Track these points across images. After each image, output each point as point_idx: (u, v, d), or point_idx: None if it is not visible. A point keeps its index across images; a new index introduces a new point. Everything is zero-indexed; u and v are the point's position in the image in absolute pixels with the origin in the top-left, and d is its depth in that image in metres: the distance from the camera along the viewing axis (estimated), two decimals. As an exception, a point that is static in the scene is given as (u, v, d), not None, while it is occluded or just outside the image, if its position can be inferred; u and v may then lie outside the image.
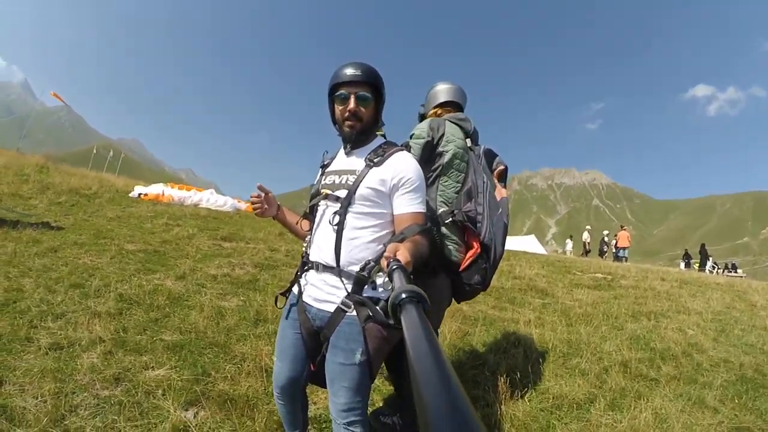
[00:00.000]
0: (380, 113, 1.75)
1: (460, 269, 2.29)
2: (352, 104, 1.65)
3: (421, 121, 2.62)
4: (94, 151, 26.89)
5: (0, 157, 10.06)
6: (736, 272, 25.66)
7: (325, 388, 1.69)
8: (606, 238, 22.71)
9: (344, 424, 1.62)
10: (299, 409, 1.91)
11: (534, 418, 2.80)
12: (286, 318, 1.81)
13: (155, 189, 11.09)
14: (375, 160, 1.66)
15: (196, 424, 2.24)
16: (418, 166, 1.70)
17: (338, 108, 1.69)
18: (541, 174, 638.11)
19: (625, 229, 21.38)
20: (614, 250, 21.12)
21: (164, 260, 5.31)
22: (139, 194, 10.49)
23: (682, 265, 23.81)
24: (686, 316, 5.94)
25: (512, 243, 22.67)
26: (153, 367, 2.73)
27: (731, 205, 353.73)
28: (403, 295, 0.75)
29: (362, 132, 1.71)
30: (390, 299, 0.77)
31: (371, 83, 1.66)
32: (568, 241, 26.41)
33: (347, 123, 1.68)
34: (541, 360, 3.85)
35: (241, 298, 4.34)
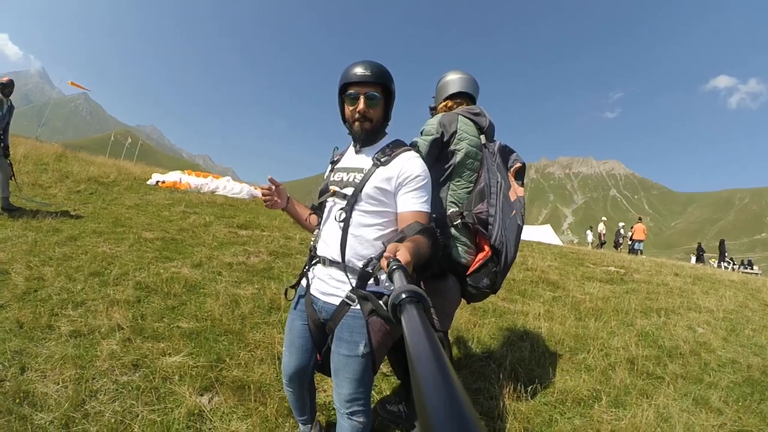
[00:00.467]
0: (390, 112, 1.77)
1: (468, 272, 2.24)
2: (361, 105, 1.67)
3: (432, 115, 2.52)
4: (112, 139, 27.27)
5: (19, 147, 10.29)
6: (752, 269, 25.17)
7: (331, 377, 1.76)
8: (622, 231, 22.37)
9: (347, 413, 1.69)
10: (307, 397, 1.99)
11: (537, 412, 2.84)
12: (295, 309, 1.88)
13: (172, 176, 11.26)
14: (382, 159, 1.69)
15: (211, 409, 2.35)
16: (425, 165, 1.72)
17: (348, 107, 1.71)
18: (558, 163, 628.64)
19: (641, 222, 21.08)
20: (630, 243, 20.86)
21: (181, 248, 5.43)
22: (157, 182, 10.66)
23: (693, 259, 23.35)
24: (697, 313, 5.88)
25: (528, 232, 22.40)
26: (170, 353, 2.85)
27: (750, 200, 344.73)
28: (403, 295, 0.76)
29: (372, 131, 1.74)
30: (390, 299, 0.79)
31: (381, 83, 1.68)
32: (588, 232, 26.09)
33: (357, 123, 1.71)
34: (547, 354, 3.88)
35: (256, 286, 4.44)
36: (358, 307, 1.61)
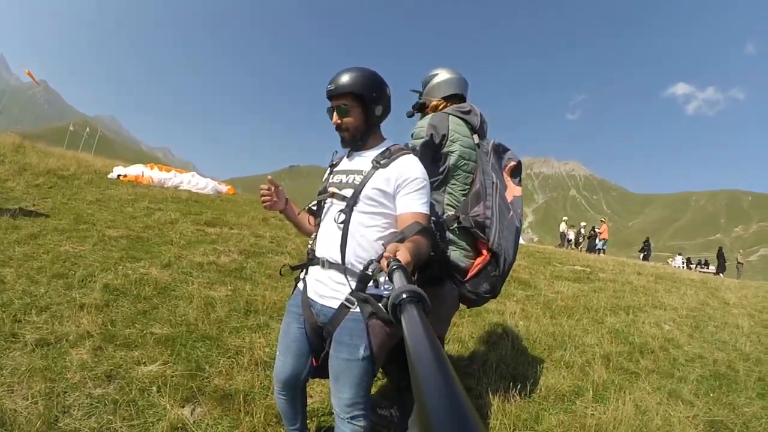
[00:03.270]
0: (372, 114, 1.74)
1: (467, 278, 2.18)
2: (334, 118, 1.75)
3: (419, 110, 2.46)
4: (71, 128, 25.97)
5: (-26, 137, 9.59)
6: (708, 268, 26.63)
7: (328, 379, 1.74)
8: (582, 230, 23.18)
9: (348, 418, 1.66)
10: (299, 404, 1.94)
11: (523, 409, 2.89)
12: (291, 312, 1.84)
13: (135, 170, 10.77)
14: (381, 162, 1.70)
15: (194, 421, 2.23)
16: (423, 168, 1.73)
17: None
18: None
19: (604, 223, 22.18)
20: (595, 243, 21.77)
21: (148, 247, 5.18)
22: (119, 175, 10.17)
23: (641, 256, 24.39)
24: (662, 311, 6.17)
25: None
26: (145, 362, 2.68)
27: (705, 202, 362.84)
28: (404, 295, 0.75)
29: (354, 138, 1.78)
30: (390, 299, 0.78)
31: (347, 92, 1.69)
32: (563, 226, 25.41)
33: (339, 134, 1.78)
34: (527, 352, 3.96)
35: (229, 288, 4.28)
36: (358, 309, 1.60)
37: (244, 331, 3.36)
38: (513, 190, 2.30)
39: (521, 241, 20.38)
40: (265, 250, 6.03)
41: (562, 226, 23.84)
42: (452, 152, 2.18)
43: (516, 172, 2.37)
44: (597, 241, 21.58)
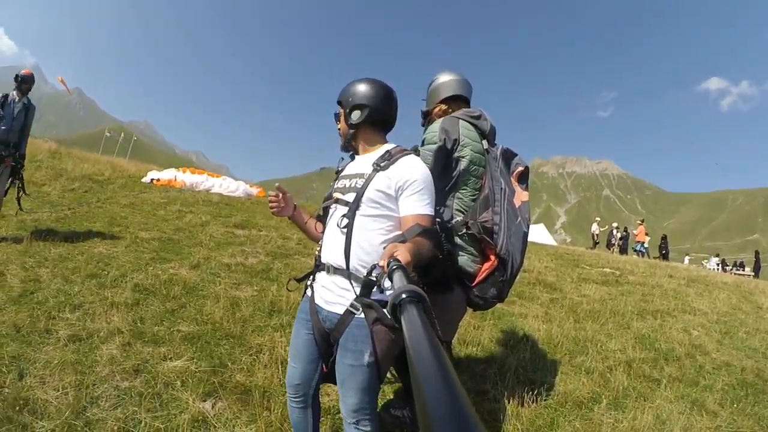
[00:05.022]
0: (349, 119, 1.83)
1: (475, 283, 2.20)
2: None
3: (424, 118, 2.47)
4: (106, 134, 27.01)
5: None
6: (744, 270, 25.42)
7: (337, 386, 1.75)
8: (614, 231, 22.45)
9: (354, 423, 1.67)
10: (311, 414, 1.91)
11: (539, 414, 2.86)
12: (300, 319, 1.86)
13: (167, 174, 11.16)
14: (382, 164, 1.72)
15: (214, 415, 2.33)
16: (425, 168, 1.74)
17: None
18: (552, 162, 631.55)
19: (642, 224, 21.36)
20: (627, 244, 21.10)
21: (178, 248, 5.39)
22: (152, 180, 10.57)
23: (660, 256, 22.91)
24: (692, 316, 5.95)
25: (520, 232, 22.46)
26: (171, 358, 2.82)
27: (742, 201, 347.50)
28: (404, 296, 0.75)
29: (346, 143, 1.90)
30: (390, 299, 0.78)
31: (338, 101, 1.88)
32: (597, 229, 24.36)
33: None
34: (547, 357, 3.90)
35: (256, 288, 4.41)
36: (363, 315, 1.61)
37: (267, 330, 3.46)
38: (521, 196, 2.30)
39: (553, 242, 19.99)
40: (292, 251, 6.17)
41: (594, 227, 23.16)
42: (463, 157, 2.19)
43: (523, 178, 2.38)
44: (635, 242, 20.85)
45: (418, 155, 1.93)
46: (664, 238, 22.23)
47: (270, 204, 1.93)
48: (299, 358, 1.82)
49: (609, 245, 21.87)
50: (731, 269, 26.50)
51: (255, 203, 10.64)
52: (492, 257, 2.18)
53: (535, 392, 3.04)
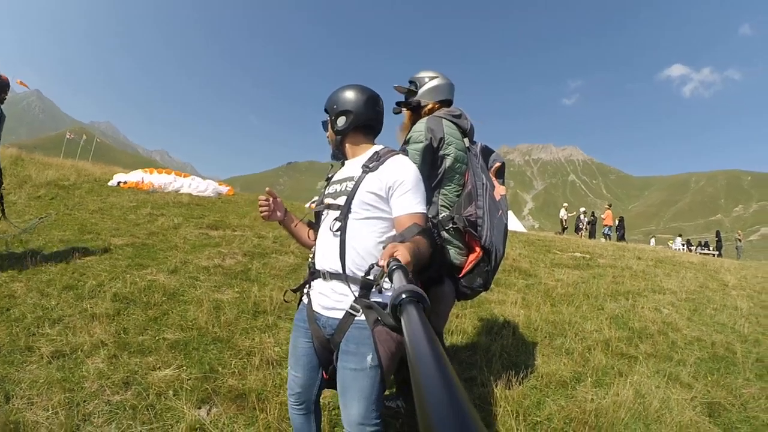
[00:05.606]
0: (334, 124, 1.85)
1: (462, 274, 2.31)
2: None
3: (412, 109, 2.54)
4: (67, 136, 25.98)
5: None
6: (708, 250, 26.71)
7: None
8: (582, 216, 23.14)
9: None
10: (313, 420, 1.89)
11: (526, 395, 2.99)
12: (298, 327, 1.82)
13: (135, 176, 10.82)
14: (371, 165, 1.71)
15: (211, 421, 2.33)
16: (414, 167, 1.73)
17: None
18: (518, 150, 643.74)
19: (610, 209, 22.20)
20: (602, 230, 21.83)
21: (153, 254, 5.26)
22: (119, 182, 10.22)
23: (616, 236, 23.17)
24: (661, 295, 6.25)
25: (490, 222, 22.88)
26: (160, 367, 2.77)
27: (705, 183, 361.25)
28: (404, 295, 0.76)
29: (335, 150, 1.92)
30: (390, 299, 0.78)
31: (325, 110, 1.90)
32: (565, 214, 24.60)
33: None
34: (528, 340, 4.06)
35: (236, 290, 4.37)
36: (363, 317, 1.59)
37: (254, 332, 3.45)
38: (499, 190, 2.42)
39: (522, 228, 20.44)
40: (269, 250, 6.12)
41: (562, 212, 23.72)
42: (448, 155, 2.28)
43: (500, 172, 2.51)
44: (603, 227, 21.58)
45: (406, 154, 1.96)
46: (621, 219, 23.08)
47: (260, 209, 1.90)
48: (299, 366, 1.79)
49: (577, 230, 22.57)
50: (696, 249, 27.82)
51: (226, 202, 10.47)
52: (477, 249, 2.28)
53: (521, 375, 3.16)
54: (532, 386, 3.16)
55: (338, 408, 2.52)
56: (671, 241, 29.93)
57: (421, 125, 2.31)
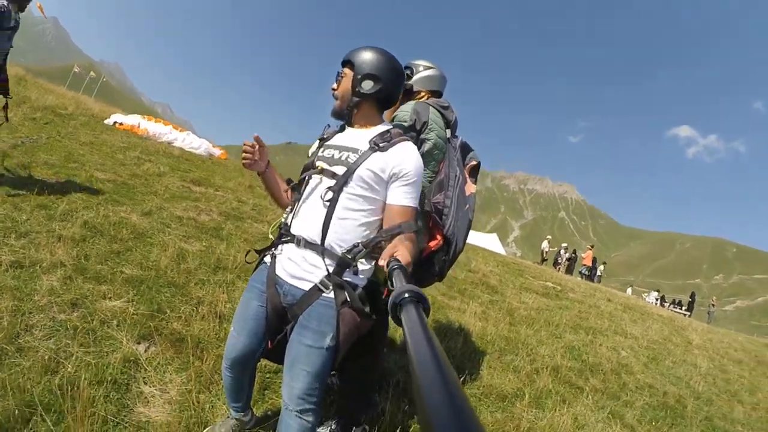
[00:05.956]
0: (357, 86, 1.69)
1: (419, 260, 2.30)
2: (333, 84, 1.76)
3: (404, 93, 2.53)
4: (75, 70, 25.63)
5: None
6: (680, 309, 27.14)
7: (280, 364, 1.66)
8: (562, 251, 23.39)
9: (297, 411, 1.55)
10: (246, 383, 1.87)
11: None
12: (253, 288, 1.73)
13: (132, 120, 10.73)
14: (380, 144, 1.63)
15: (146, 358, 2.33)
16: (421, 160, 1.69)
17: None
18: (515, 177, 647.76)
19: (591, 249, 22.49)
20: (580, 268, 22.08)
21: (132, 194, 5.22)
22: (115, 122, 10.13)
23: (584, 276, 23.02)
24: (623, 338, 6.33)
25: (474, 238, 23.00)
26: (111, 297, 2.77)
27: (691, 245, 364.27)
28: (405, 295, 0.75)
29: (341, 109, 1.75)
30: (390, 299, 0.78)
31: (347, 61, 1.72)
32: (547, 246, 24.73)
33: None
34: (478, 351, 4.06)
35: (204, 244, 4.34)
36: (331, 295, 1.54)
37: (210, 285, 3.44)
38: (470, 187, 2.45)
39: (502, 251, 20.50)
40: (245, 215, 6.11)
41: (544, 244, 23.89)
42: (428, 140, 2.32)
43: (474, 171, 2.54)
44: (582, 266, 21.87)
45: (415, 143, 1.93)
46: (594, 260, 23.35)
47: (243, 154, 1.76)
48: (244, 329, 1.70)
49: (555, 264, 22.78)
50: (669, 305, 28.24)
51: (216, 164, 10.40)
52: (438, 237, 2.30)
53: (461, 381, 3.17)
54: (470, 394, 3.16)
55: (274, 373, 2.55)
56: (646, 293, 30.36)
57: (408, 106, 2.34)
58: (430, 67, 2.54)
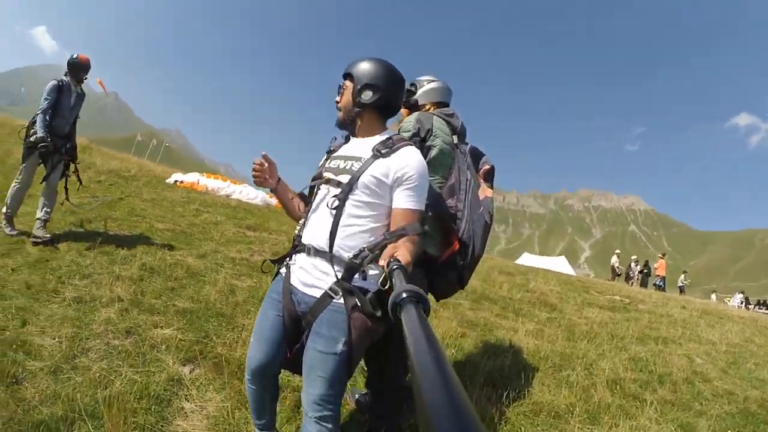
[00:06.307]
0: (358, 97, 1.74)
1: (435, 266, 2.31)
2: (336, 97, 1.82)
3: (409, 107, 2.63)
4: (138, 138, 28.04)
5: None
6: (766, 309, 24.37)
7: (301, 374, 1.68)
8: (633, 264, 21.81)
9: (316, 417, 1.58)
10: (268, 398, 1.89)
11: (507, 419, 2.83)
12: (270, 299, 1.80)
13: (191, 177, 11.52)
14: (383, 151, 1.66)
15: (190, 379, 2.50)
16: (424, 163, 1.70)
17: None
18: (578, 195, 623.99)
19: (663, 258, 20.81)
20: (647, 279, 20.51)
21: (189, 240, 5.62)
22: (176, 181, 10.88)
23: (638, 279, 21.27)
24: (698, 344, 5.76)
25: (542, 263, 22.37)
26: (162, 326, 3.03)
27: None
28: (404, 295, 0.76)
29: (344, 120, 1.80)
30: (390, 299, 0.78)
31: (348, 73, 1.78)
32: (617, 261, 23.37)
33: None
34: (529, 367, 3.86)
35: (254, 280, 4.56)
36: (341, 300, 1.56)
37: (255, 314, 3.58)
38: (485, 191, 2.43)
39: (571, 271, 19.44)
40: (297, 254, 6.32)
41: (614, 259, 22.36)
42: (434, 146, 2.36)
43: (489, 176, 2.52)
44: (656, 277, 20.24)
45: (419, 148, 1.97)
46: (646, 263, 21.38)
47: (254, 172, 1.83)
48: (263, 339, 1.75)
49: (627, 279, 21.26)
50: (754, 307, 25.43)
51: (271, 211, 10.85)
52: (454, 242, 2.29)
53: (509, 399, 3.02)
54: (518, 412, 2.98)
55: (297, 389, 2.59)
56: (728, 298, 27.49)
57: (411, 117, 2.41)
58: (432, 81, 2.63)
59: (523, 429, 2.79)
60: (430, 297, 2.53)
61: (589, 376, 3.87)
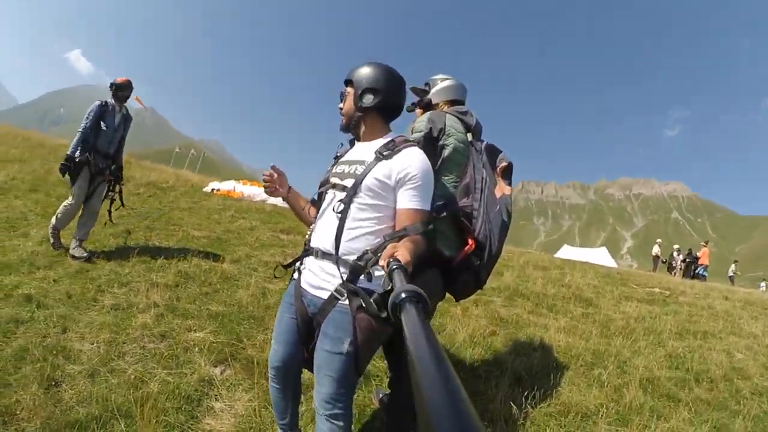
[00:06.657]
0: (359, 101, 1.79)
1: (451, 267, 2.27)
2: (339, 104, 1.88)
3: (424, 107, 2.62)
4: (177, 150, 28.87)
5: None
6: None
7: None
8: (675, 254, 20.69)
9: (327, 415, 1.63)
10: (290, 397, 1.96)
11: (533, 420, 2.79)
12: (285, 302, 1.88)
13: (227, 185, 11.85)
14: (385, 153, 1.69)
15: (221, 380, 2.65)
16: (428, 163, 1.72)
17: None
18: (618, 183, 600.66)
19: (706, 246, 19.77)
20: (691, 268, 19.55)
21: (225, 246, 5.84)
22: (212, 189, 11.20)
23: (681, 269, 20.13)
24: (739, 338, 5.48)
25: (582, 255, 21.53)
26: (195, 330, 3.21)
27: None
28: (403, 295, 0.76)
29: (348, 124, 1.86)
30: (390, 299, 0.79)
31: (348, 80, 1.83)
32: (659, 251, 22.32)
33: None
34: (560, 366, 3.79)
35: (287, 283, 4.67)
36: (347, 302, 1.60)
37: (287, 317, 3.75)
38: (503, 189, 2.39)
39: (613, 265, 18.67)
40: (329, 257, 6.46)
41: (655, 249, 21.29)
42: (447, 145, 2.33)
43: (507, 173, 2.46)
44: (699, 266, 19.22)
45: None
46: (689, 252, 20.18)
47: (265, 183, 1.93)
48: (281, 340, 1.85)
49: (670, 269, 20.24)
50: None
51: (307, 216, 11.01)
52: (470, 241, 2.25)
53: (537, 398, 2.98)
54: (545, 412, 2.93)
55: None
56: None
57: (424, 117, 2.40)
58: (446, 79, 2.61)
59: (549, 430, 2.74)
60: (449, 296, 2.51)
61: (622, 375, 3.75)
